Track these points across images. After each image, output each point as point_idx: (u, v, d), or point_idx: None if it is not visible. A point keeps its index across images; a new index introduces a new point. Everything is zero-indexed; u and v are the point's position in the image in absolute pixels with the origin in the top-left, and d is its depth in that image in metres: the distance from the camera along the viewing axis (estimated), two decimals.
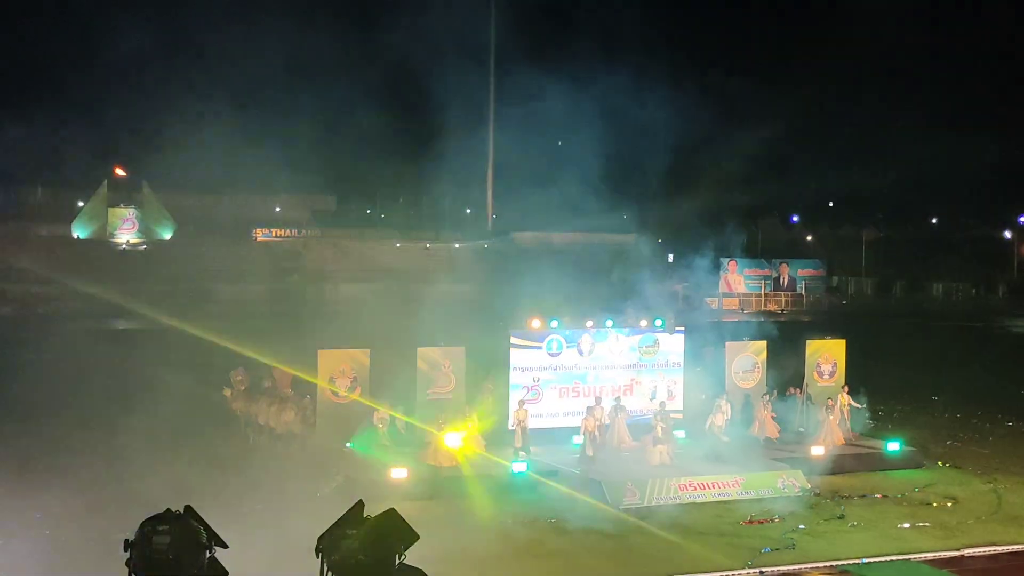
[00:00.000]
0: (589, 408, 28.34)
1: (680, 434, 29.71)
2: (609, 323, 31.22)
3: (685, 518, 24.10)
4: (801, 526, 23.60)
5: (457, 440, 26.89)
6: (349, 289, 78.52)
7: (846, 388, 31.89)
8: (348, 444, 27.38)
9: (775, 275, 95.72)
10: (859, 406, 31.57)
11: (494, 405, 29.95)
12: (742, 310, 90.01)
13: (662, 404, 29.47)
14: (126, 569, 5.53)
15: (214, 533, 5.59)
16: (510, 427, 28.92)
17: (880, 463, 29.56)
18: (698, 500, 25.64)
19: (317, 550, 5.58)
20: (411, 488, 24.86)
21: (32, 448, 29.40)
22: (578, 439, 28.60)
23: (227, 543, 5.65)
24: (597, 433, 28.11)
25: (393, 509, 5.74)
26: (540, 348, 30.12)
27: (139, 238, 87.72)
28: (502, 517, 23.58)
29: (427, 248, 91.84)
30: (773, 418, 30.72)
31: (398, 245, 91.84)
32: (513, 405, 29.10)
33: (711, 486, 26.15)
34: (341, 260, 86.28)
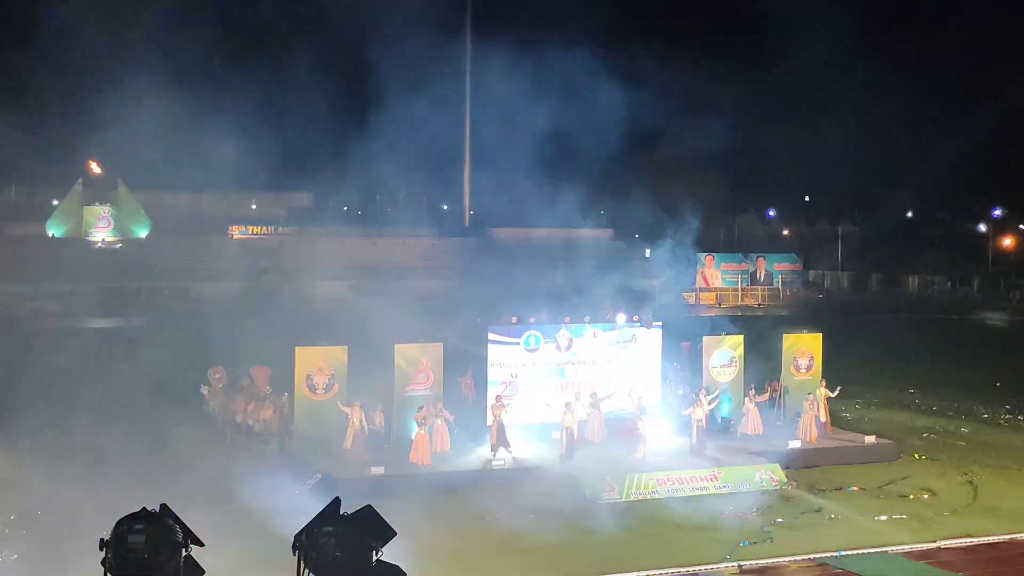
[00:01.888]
0: (568, 404, 28.30)
1: (660, 428, 29.76)
2: (587, 318, 31.26)
3: (663, 512, 24.16)
4: (779, 519, 23.68)
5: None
6: (326, 286, 78.40)
7: (824, 382, 32.02)
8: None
9: (752, 269, 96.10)
10: (833, 394, 31.62)
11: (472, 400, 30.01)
12: (719, 304, 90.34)
13: (640, 399, 29.51)
14: (102, 568, 5.51)
15: (190, 531, 5.58)
16: (488, 423, 28.90)
17: (857, 456, 29.70)
18: (676, 494, 25.69)
19: (294, 548, 5.57)
20: (388, 485, 24.82)
21: (6, 448, 29.21)
22: (556, 435, 28.58)
23: (203, 541, 5.64)
24: (575, 430, 28.05)
25: (370, 506, 5.73)
26: (518, 344, 30.10)
27: (115, 236, 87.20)
28: (480, 513, 23.57)
29: (404, 244, 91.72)
30: (758, 414, 30.79)
31: (375, 242, 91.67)
32: (491, 401, 29.07)
33: (689, 480, 26.22)
34: (318, 257, 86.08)
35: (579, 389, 29.83)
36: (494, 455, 27.26)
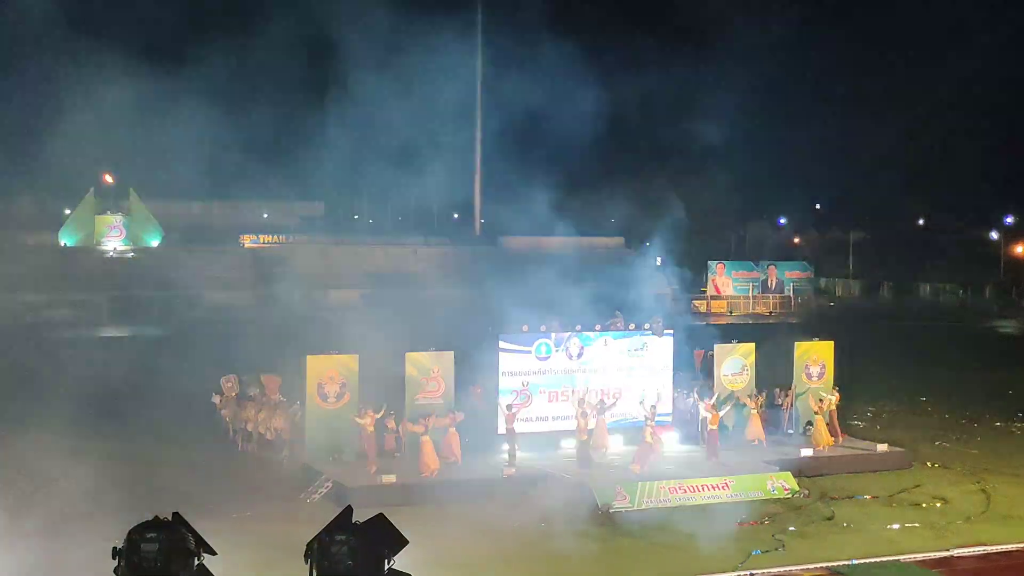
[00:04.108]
0: (584, 416, 28.29)
1: (670, 437, 29.76)
2: (598, 327, 31.25)
3: (675, 521, 24.11)
4: (791, 528, 23.62)
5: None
6: (337, 295, 78.56)
7: (836, 389, 31.95)
8: None
9: (763, 277, 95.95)
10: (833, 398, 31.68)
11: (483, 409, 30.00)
12: (730, 312, 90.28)
13: (653, 408, 29.53)
14: None
15: (202, 540, 5.59)
16: (499, 431, 28.91)
17: (869, 464, 29.63)
18: (687, 503, 25.66)
19: (306, 556, 5.58)
20: (400, 493, 24.83)
21: (18, 456, 29.28)
22: (567, 443, 28.63)
23: (215, 550, 5.65)
24: (588, 440, 27.99)
25: (382, 514, 5.73)
26: (529, 352, 30.08)
27: (127, 245, 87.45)
28: (491, 522, 23.55)
29: (415, 253, 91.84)
30: (764, 421, 30.77)
31: (386, 250, 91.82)
32: (502, 409, 29.06)
33: (700, 489, 26.17)
34: (329, 266, 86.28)
35: (585, 397, 29.79)
36: (510, 463, 27.20)
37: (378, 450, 27.70)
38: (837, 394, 31.67)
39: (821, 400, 31.01)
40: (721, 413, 29.60)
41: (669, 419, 30.69)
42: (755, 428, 30.51)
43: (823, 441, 30.11)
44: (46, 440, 30.60)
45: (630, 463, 27.44)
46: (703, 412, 29.49)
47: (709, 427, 29.05)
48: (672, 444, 29.86)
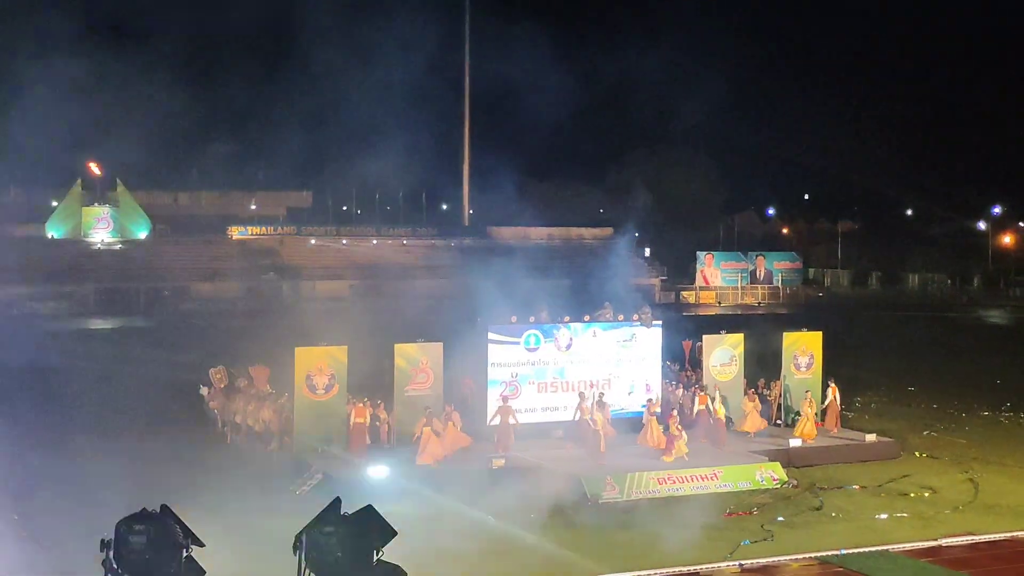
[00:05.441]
0: (599, 404, 28.44)
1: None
2: (587, 318, 31.24)
3: (664, 512, 24.12)
4: (780, 518, 23.65)
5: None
6: (325, 286, 78.53)
7: (832, 380, 31.96)
8: None
9: (752, 268, 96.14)
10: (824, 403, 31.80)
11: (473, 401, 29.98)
12: (719, 303, 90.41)
13: (650, 400, 29.56)
14: (102, 569, 5.51)
15: (191, 532, 5.57)
16: (489, 423, 28.88)
17: (858, 454, 29.69)
18: (677, 493, 25.68)
19: (295, 548, 5.56)
20: (389, 485, 24.80)
21: (5, 447, 29.19)
22: (559, 433, 28.72)
23: (204, 542, 5.63)
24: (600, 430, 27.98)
25: (371, 506, 5.72)
26: (518, 343, 30.05)
27: (114, 237, 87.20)
28: (481, 513, 23.54)
29: (404, 244, 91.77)
30: (758, 411, 30.78)
31: (375, 241, 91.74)
32: (492, 401, 29.03)
33: (690, 479, 26.19)
34: (317, 257, 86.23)
35: (579, 389, 29.78)
36: (499, 455, 27.19)
37: (370, 441, 27.69)
38: (833, 387, 31.73)
39: (808, 392, 31.06)
40: (718, 406, 29.76)
41: (658, 410, 30.68)
42: (753, 420, 30.55)
43: (807, 433, 30.13)
44: (32, 431, 30.54)
45: (662, 455, 27.41)
46: (700, 405, 29.58)
47: (715, 417, 29.20)
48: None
